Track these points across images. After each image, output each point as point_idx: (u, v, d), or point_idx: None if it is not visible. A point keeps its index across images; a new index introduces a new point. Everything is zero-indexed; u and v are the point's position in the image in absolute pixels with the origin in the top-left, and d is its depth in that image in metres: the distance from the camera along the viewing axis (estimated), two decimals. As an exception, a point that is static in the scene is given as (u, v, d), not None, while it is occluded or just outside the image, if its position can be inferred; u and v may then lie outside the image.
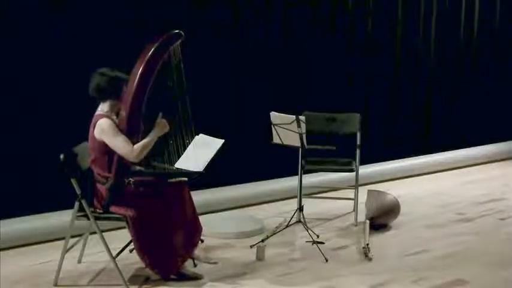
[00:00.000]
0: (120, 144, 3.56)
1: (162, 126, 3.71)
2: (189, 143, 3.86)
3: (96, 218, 3.68)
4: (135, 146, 3.58)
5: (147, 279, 3.81)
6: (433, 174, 6.86)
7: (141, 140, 3.62)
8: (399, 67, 6.92)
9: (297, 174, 4.91)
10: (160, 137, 3.71)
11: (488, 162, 7.48)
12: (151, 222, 3.65)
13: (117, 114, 3.70)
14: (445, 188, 6.29)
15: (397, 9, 6.81)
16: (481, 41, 7.64)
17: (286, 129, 4.30)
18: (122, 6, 4.83)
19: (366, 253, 4.27)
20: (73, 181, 3.60)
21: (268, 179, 5.75)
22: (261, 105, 4.95)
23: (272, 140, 4.49)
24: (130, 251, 4.06)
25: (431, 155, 7.05)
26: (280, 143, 4.45)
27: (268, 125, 4.43)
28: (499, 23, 7.78)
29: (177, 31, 3.76)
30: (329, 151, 4.72)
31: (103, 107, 3.69)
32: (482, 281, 3.90)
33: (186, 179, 3.89)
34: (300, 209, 4.72)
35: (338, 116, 5.19)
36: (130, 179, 3.68)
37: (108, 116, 3.63)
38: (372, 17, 6.56)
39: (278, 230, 4.66)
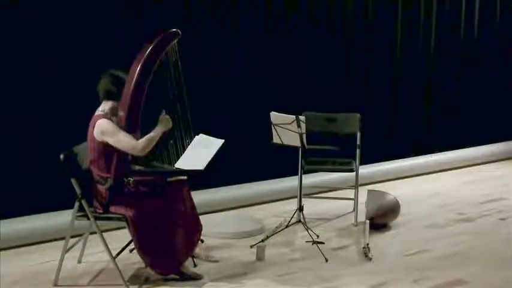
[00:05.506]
0: (124, 140, 3.55)
1: (165, 122, 3.71)
2: (189, 143, 3.86)
3: (96, 218, 3.68)
4: (140, 140, 3.59)
5: (147, 279, 3.81)
6: (433, 174, 6.86)
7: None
8: (399, 67, 6.92)
9: (297, 174, 4.91)
10: (162, 135, 3.71)
11: (488, 162, 7.48)
12: (151, 222, 3.65)
13: (116, 115, 3.70)
14: (445, 188, 6.29)
15: (397, 8, 6.81)
16: (481, 41, 7.64)
17: (286, 129, 4.30)
18: (120, 6, 4.83)
19: (366, 253, 4.27)
20: (73, 181, 3.60)
21: (268, 179, 5.75)
22: (261, 105, 4.95)
23: (272, 140, 4.49)
24: (131, 251, 4.06)
25: (431, 155, 7.05)
26: (280, 143, 4.45)
27: (268, 125, 4.43)
28: (499, 22, 7.78)
29: (174, 30, 3.76)
30: (329, 151, 4.71)
31: (104, 107, 3.69)
32: (482, 281, 3.90)
33: (185, 177, 3.89)
34: (300, 209, 4.72)
35: (338, 116, 5.19)
36: (130, 178, 3.68)
37: (107, 117, 3.63)
38: (372, 16, 6.56)
39: (278, 230, 4.66)
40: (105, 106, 3.69)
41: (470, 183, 6.54)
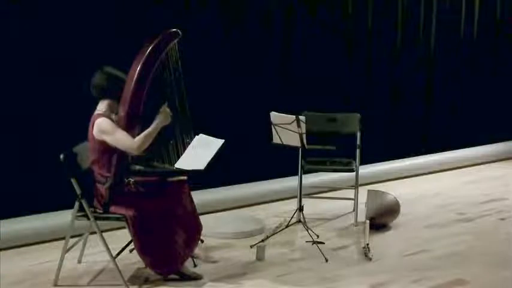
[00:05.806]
0: (121, 139, 3.55)
1: (164, 115, 3.68)
2: (189, 143, 3.86)
3: (96, 218, 3.68)
4: (136, 138, 3.58)
5: (147, 279, 3.81)
6: (433, 174, 6.86)
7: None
8: (399, 67, 6.92)
9: (297, 174, 4.91)
10: (159, 135, 3.70)
11: (488, 162, 7.47)
12: (151, 222, 3.65)
13: (114, 112, 3.70)
14: (445, 188, 6.29)
15: (397, 9, 6.81)
16: (480, 41, 7.64)
17: (286, 129, 4.30)
18: (120, 6, 4.83)
19: (366, 253, 4.27)
20: (73, 181, 3.60)
21: (268, 179, 5.74)
22: (261, 105, 4.95)
23: (272, 140, 4.49)
24: (131, 251, 4.06)
25: (431, 155, 7.05)
26: (280, 143, 4.45)
27: (268, 125, 4.43)
28: (498, 22, 7.78)
29: (174, 30, 3.76)
30: (329, 151, 4.71)
31: (101, 106, 3.68)
32: (483, 281, 3.90)
33: (185, 177, 3.89)
34: (300, 209, 4.72)
35: (338, 116, 5.19)
36: (130, 178, 3.68)
37: (106, 116, 3.63)
38: (372, 16, 6.56)
39: (278, 230, 4.66)
40: (102, 105, 3.69)
41: (470, 183, 6.54)
